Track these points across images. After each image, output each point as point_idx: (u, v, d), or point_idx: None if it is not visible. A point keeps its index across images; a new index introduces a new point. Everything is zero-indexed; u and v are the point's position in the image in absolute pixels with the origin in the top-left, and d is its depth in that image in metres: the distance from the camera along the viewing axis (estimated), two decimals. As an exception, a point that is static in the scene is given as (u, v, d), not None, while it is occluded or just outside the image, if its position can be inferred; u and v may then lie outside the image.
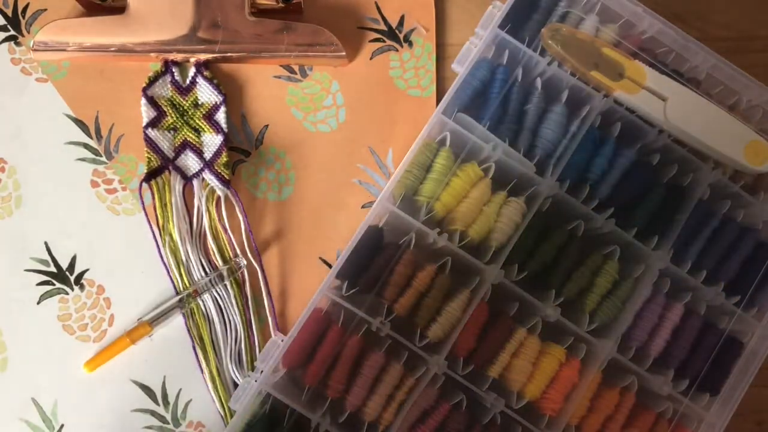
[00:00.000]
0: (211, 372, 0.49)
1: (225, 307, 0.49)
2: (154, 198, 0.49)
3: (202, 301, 0.49)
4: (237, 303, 0.49)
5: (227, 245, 0.50)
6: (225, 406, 0.48)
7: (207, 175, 0.50)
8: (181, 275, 0.49)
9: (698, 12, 0.54)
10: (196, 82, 0.50)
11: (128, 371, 0.49)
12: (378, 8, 0.53)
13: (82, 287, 0.49)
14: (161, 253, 0.49)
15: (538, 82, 0.47)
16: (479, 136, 0.46)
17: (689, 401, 0.46)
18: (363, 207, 0.51)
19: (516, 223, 0.46)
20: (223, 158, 0.50)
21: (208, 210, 0.50)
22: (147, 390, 0.49)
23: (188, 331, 0.49)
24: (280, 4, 0.50)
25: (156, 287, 0.49)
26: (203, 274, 0.49)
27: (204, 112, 0.50)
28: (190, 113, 0.50)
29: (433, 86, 0.52)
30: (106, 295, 0.49)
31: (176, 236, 0.49)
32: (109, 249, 0.50)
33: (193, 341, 0.49)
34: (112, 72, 0.51)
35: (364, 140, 0.52)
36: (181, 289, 0.49)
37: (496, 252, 0.46)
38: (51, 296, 0.49)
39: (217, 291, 0.49)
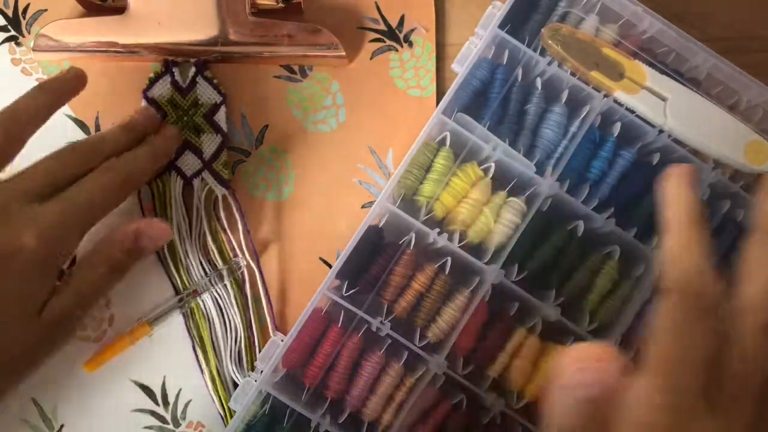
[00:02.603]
0: (211, 372, 0.49)
1: (225, 307, 0.49)
2: (153, 198, 0.49)
3: (202, 301, 0.49)
4: (237, 303, 0.49)
5: (227, 245, 0.50)
6: (225, 406, 0.48)
7: (206, 175, 0.50)
8: (180, 275, 0.49)
9: (698, 12, 0.54)
10: (196, 82, 0.50)
11: (128, 371, 0.49)
12: (378, 8, 0.53)
13: (82, 287, 0.49)
14: (161, 253, 0.49)
15: (538, 82, 0.47)
16: (479, 136, 0.46)
17: (689, 401, 0.46)
18: (363, 207, 0.51)
19: (516, 223, 0.46)
20: (223, 158, 0.50)
21: (207, 210, 0.50)
22: (147, 390, 0.49)
23: (188, 331, 0.49)
24: (280, 4, 0.50)
25: (156, 287, 0.49)
26: (203, 274, 0.49)
27: (204, 112, 0.50)
28: (190, 113, 0.50)
29: (433, 86, 0.52)
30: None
31: (176, 236, 0.49)
32: (109, 249, 0.50)
33: (193, 341, 0.49)
34: (112, 72, 0.51)
35: (364, 140, 0.52)
36: (181, 289, 0.49)
37: (496, 252, 0.46)
38: (51, 296, 0.49)
39: (216, 291, 0.49)
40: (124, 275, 0.44)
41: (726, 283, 0.27)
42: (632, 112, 0.47)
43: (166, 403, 0.49)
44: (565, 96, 0.47)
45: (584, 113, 0.47)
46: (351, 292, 0.44)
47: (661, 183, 0.31)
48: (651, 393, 0.24)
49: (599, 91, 0.47)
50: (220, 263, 0.50)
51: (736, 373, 0.26)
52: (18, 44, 0.51)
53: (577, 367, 0.25)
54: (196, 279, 0.49)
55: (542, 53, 0.47)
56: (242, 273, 0.50)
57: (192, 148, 0.50)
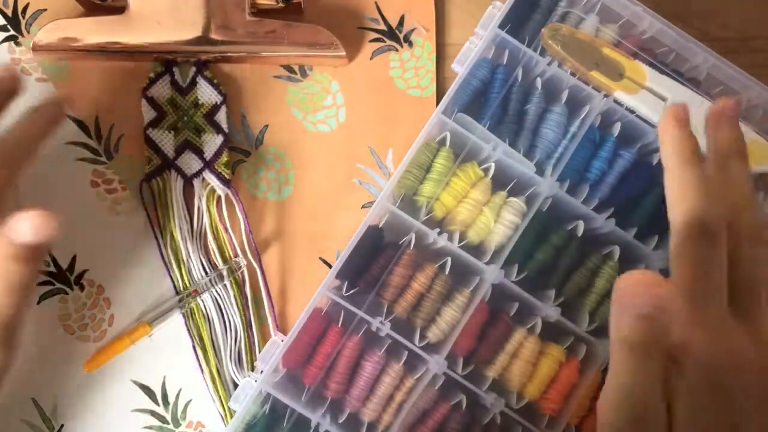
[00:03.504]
0: (211, 372, 0.49)
1: (225, 307, 0.49)
2: (154, 198, 0.49)
3: (202, 301, 0.49)
4: (237, 303, 0.49)
5: (227, 245, 0.50)
6: (225, 406, 0.48)
7: (207, 175, 0.50)
8: (181, 275, 0.49)
9: (698, 12, 0.54)
10: (197, 82, 0.50)
11: (128, 371, 0.49)
12: (378, 8, 0.53)
13: (82, 287, 0.49)
14: (161, 252, 0.49)
15: (538, 82, 0.47)
16: (479, 136, 0.46)
17: (689, 401, 0.46)
18: (363, 207, 0.51)
19: (516, 223, 0.46)
20: (224, 158, 0.50)
21: (208, 210, 0.50)
22: (147, 390, 0.49)
23: (188, 331, 0.49)
24: (280, 4, 0.50)
25: (156, 287, 0.49)
26: (203, 273, 0.49)
27: (204, 112, 0.50)
28: (190, 113, 0.50)
29: (433, 86, 0.52)
30: (106, 295, 0.49)
31: (177, 236, 0.49)
32: (109, 249, 0.50)
33: (193, 341, 0.49)
34: (112, 72, 0.51)
35: (364, 140, 0.52)
36: (181, 289, 0.49)
37: (496, 252, 0.46)
38: (51, 296, 0.49)
39: (216, 291, 0.49)
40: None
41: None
42: (632, 112, 0.47)
43: (166, 403, 0.49)
44: (565, 96, 0.47)
45: (584, 113, 0.47)
46: (351, 292, 0.44)
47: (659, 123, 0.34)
48: (684, 314, 0.29)
49: (599, 91, 0.47)
50: (220, 263, 0.50)
51: (746, 281, 0.30)
52: (17, 44, 0.51)
53: (633, 290, 0.29)
54: (196, 279, 0.49)
55: (542, 53, 0.47)
56: (242, 273, 0.50)
57: (192, 147, 0.50)
